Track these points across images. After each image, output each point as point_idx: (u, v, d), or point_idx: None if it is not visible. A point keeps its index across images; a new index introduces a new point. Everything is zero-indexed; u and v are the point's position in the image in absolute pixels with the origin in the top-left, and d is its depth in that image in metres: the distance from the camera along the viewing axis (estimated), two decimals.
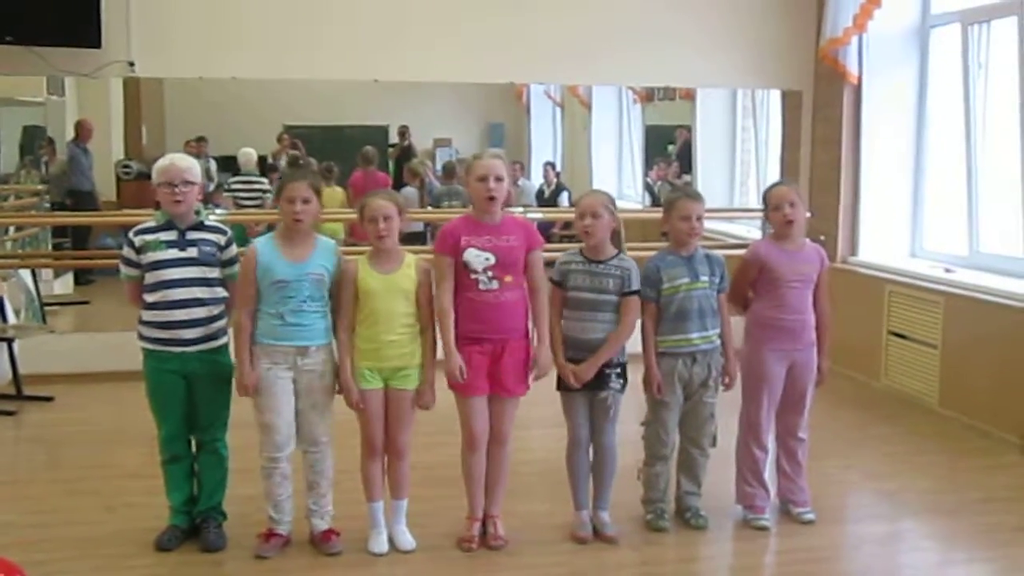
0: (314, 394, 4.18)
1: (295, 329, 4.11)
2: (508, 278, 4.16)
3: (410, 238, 9.07)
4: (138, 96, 13.79)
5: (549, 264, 4.34)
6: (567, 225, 11.96)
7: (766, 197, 4.61)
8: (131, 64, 7.13)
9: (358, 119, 15.79)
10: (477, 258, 4.12)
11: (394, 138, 14.58)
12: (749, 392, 4.63)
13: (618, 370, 4.32)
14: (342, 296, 4.17)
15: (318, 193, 4.18)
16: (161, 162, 4.20)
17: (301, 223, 4.12)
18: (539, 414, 4.88)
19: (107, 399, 6.70)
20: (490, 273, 4.12)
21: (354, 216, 7.48)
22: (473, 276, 4.12)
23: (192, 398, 4.24)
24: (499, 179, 4.12)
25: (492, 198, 4.12)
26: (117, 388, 6.64)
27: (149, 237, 4.17)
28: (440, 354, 4.22)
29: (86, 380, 7.06)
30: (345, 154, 12.70)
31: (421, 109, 15.08)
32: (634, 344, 4.38)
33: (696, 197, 4.45)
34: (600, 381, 4.30)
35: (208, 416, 4.29)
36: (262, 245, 4.18)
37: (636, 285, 4.30)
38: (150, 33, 7.18)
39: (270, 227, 10.05)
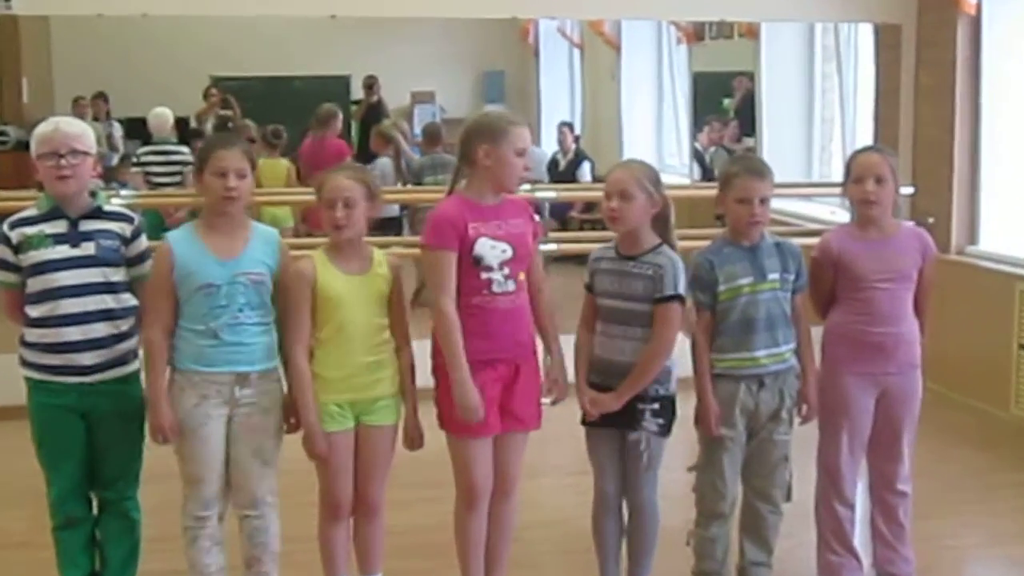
0: (256, 437, 4.17)
1: (232, 350, 4.11)
2: (521, 276, 4.21)
3: (383, 226, 9.12)
4: (16, 40, 13.89)
5: (557, 260, 4.36)
6: (589, 206, 12.03)
7: (848, 165, 4.62)
8: None
9: (311, 68, 15.88)
10: (492, 251, 4.13)
11: (359, 92, 14.65)
12: (826, 429, 4.62)
13: (655, 405, 4.30)
14: (295, 306, 4.17)
15: (253, 165, 4.20)
16: (42, 128, 4.19)
17: (235, 204, 4.13)
18: (554, 458, 4.90)
19: None
20: (506, 270, 4.15)
21: (304, 197, 7.53)
22: (486, 276, 4.13)
23: (93, 443, 4.23)
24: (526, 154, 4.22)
25: (524, 179, 4.25)
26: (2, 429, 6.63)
27: (30, 230, 4.16)
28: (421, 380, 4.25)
29: None
30: (294, 114, 12.72)
31: (394, 54, 15.16)
32: (683, 365, 4.40)
33: (760, 172, 4.45)
34: (630, 418, 4.30)
35: (114, 467, 4.29)
36: (179, 239, 4.17)
37: (673, 288, 4.26)
38: None
39: (194, 213, 10.14)
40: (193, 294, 4.09)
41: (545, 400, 4.30)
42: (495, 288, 4.12)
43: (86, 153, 4.17)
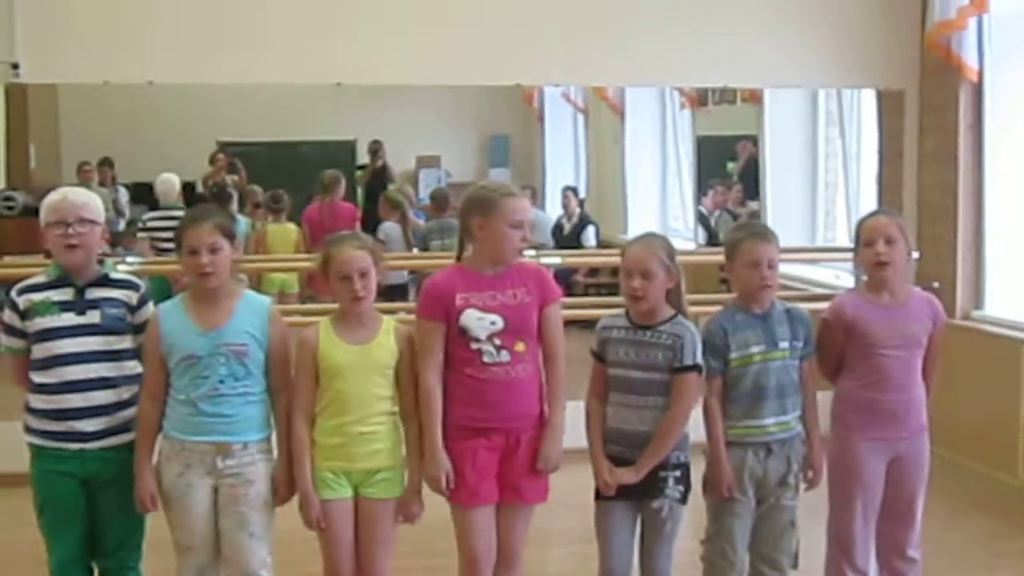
0: (241, 509, 4.15)
1: (213, 420, 4.12)
2: (520, 346, 4.16)
3: (390, 292, 9.12)
4: (24, 107, 13.96)
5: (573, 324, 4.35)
6: (594, 271, 12.05)
7: (858, 230, 4.63)
8: (14, 66, 7.19)
9: (316, 133, 15.93)
10: (480, 322, 4.13)
11: (364, 157, 14.72)
12: (838, 497, 4.61)
13: (677, 473, 4.30)
14: (297, 375, 4.19)
15: (230, 237, 4.18)
16: (51, 197, 4.23)
17: (210, 279, 4.13)
18: (560, 525, 4.86)
19: None
20: (497, 341, 4.13)
21: (311, 264, 7.53)
22: (475, 347, 4.13)
23: (95, 511, 4.23)
24: (528, 225, 4.21)
25: (523, 250, 4.23)
26: (2, 497, 6.61)
27: (37, 297, 4.19)
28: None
29: None
30: (300, 179, 12.75)
31: (399, 119, 15.20)
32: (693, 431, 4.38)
33: (766, 236, 4.46)
34: (651, 487, 4.28)
35: (116, 536, 4.28)
36: (166, 310, 4.21)
37: (692, 358, 4.28)
38: (40, 26, 7.23)
39: None
40: (177, 364, 4.12)
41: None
42: (486, 359, 4.12)
43: (94, 222, 4.20)
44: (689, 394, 4.26)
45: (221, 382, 4.10)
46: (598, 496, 4.34)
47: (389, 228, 10.24)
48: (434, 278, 4.24)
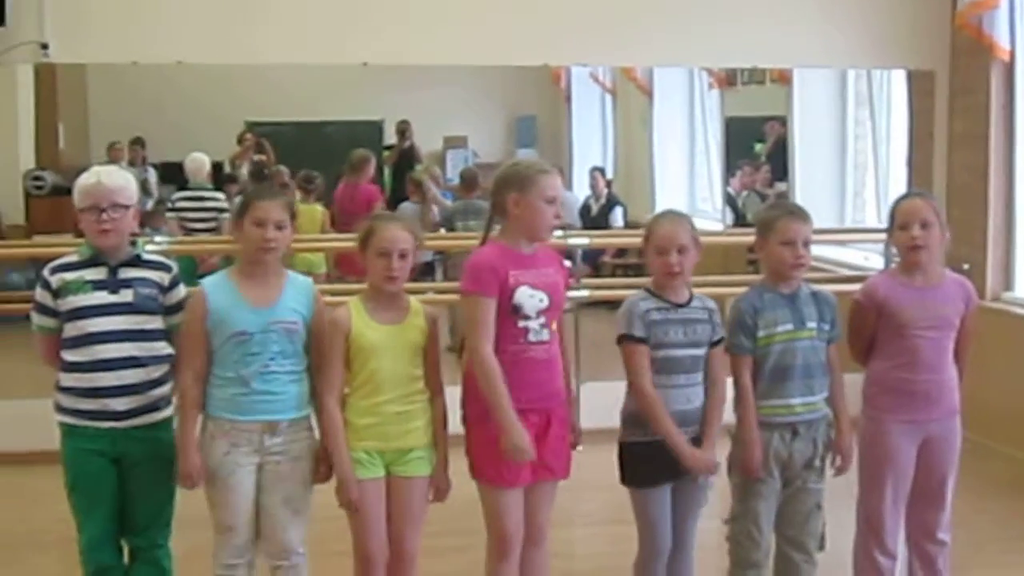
0: (286, 486, 4.20)
1: (263, 399, 4.15)
2: (554, 325, 4.25)
3: (416, 272, 9.14)
4: (53, 87, 13.99)
5: (592, 305, 4.36)
6: (621, 251, 12.02)
7: (892, 213, 4.62)
8: (44, 46, 7.23)
9: (343, 113, 15.88)
10: (531, 300, 4.16)
11: (391, 137, 14.70)
12: (868, 478, 4.61)
13: None
14: (328, 354, 4.20)
15: (294, 217, 4.25)
16: (84, 180, 4.24)
17: (271, 254, 4.17)
18: (586, 506, 4.87)
19: (10, 490, 6.75)
20: (542, 319, 4.18)
21: (338, 244, 7.56)
22: (523, 324, 4.16)
23: (125, 489, 4.27)
24: (557, 201, 4.23)
25: (557, 227, 4.29)
26: (24, 475, 6.70)
27: (70, 276, 4.21)
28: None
29: None
30: (327, 160, 12.76)
31: (426, 99, 15.15)
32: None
33: (801, 215, 4.48)
34: None
35: (146, 514, 4.31)
36: (214, 286, 4.22)
37: (722, 331, 4.38)
38: (69, 6, 7.29)
39: (228, 260, 10.18)
40: (225, 341, 4.14)
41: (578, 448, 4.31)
42: (531, 337, 4.16)
43: (126, 206, 4.21)
44: (726, 365, 4.37)
45: (272, 359, 4.14)
46: (631, 483, 4.36)
47: (408, 208, 10.29)
48: (483, 253, 4.23)
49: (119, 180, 4.26)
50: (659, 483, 4.32)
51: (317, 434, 4.26)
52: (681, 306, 4.33)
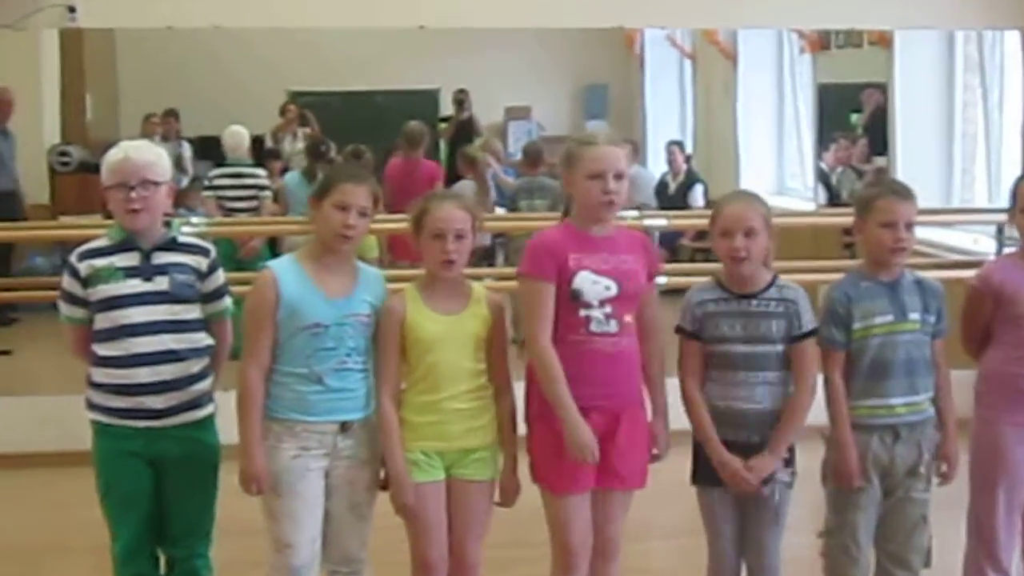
0: (355, 490, 4.23)
1: (338, 396, 4.17)
2: (628, 317, 4.21)
3: (474, 256, 9.14)
4: (80, 54, 14.15)
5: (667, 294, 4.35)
6: (701, 234, 11.98)
7: (1015, 192, 4.57)
8: (71, 9, 7.28)
9: (396, 82, 15.95)
10: (594, 286, 4.15)
11: (448, 108, 14.74)
12: (979, 487, 4.57)
13: (787, 454, 4.32)
14: (382, 346, 4.23)
15: (376, 205, 4.26)
16: (112, 155, 4.26)
17: (349, 243, 4.19)
18: (662, 517, 4.87)
19: (39, 494, 6.82)
20: (608, 309, 4.16)
21: (391, 225, 7.59)
22: (584, 313, 4.16)
23: (163, 495, 4.30)
24: (620, 176, 4.17)
25: (611, 203, 4.18)
26: (54, 478, 6.76)
27: (100, 262, 4.23)
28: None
29: (7, 465, 7.16)
30: (377, 132, 12.81)
31: (486, 66, 15.20)
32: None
33: (905, 194, 4.42)
34: None
35: (185, 521, 4.34)
36: (284, 270, 4.22)
37: (811, 323, 4.31)
38: None
39: (271, 243, 10.26)
40: (297, 333, 4.14)
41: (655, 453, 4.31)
42: (593, 327, 4.14)
43: (158, 183, 4.22)
44: (814, 363, 4.30)
45: (348, 355, 4.16)
46: (695, 479, 4.36)
47: (464, 187, 10.26)
48: (543, 235, 4.26)
49: (149, 155, 4.27)
50: (713, 484, 4.31)
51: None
52: (746, 297, 4.30)
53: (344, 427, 4.16)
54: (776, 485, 4.28)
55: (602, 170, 4.14)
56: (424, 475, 4.20)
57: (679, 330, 4.35)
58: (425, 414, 4.20)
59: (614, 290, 4.14)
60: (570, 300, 4.13)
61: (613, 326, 4.15)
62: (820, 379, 4.34)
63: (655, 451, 4.28)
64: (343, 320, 4.15)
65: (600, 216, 4.20)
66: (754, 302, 4.29)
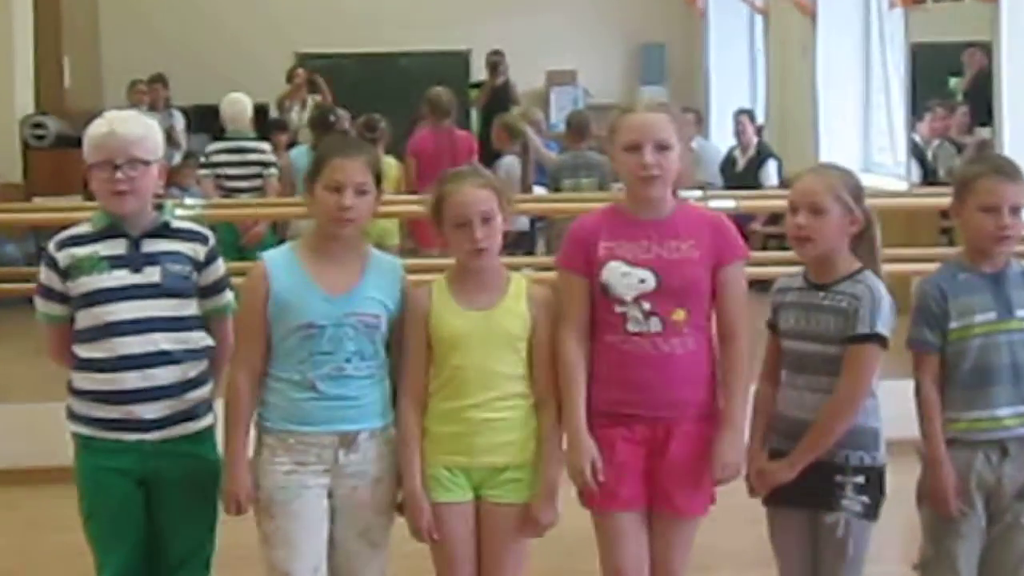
0: (365, 515, 4.21)
1: (336, 406, 4.15)
2: (679, 314, 4.14)
3: (511, 242, 9.10)
4: (58, 14, 14.27)
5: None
6: (775, 217, 11.96)
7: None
8: None
9: (421, 42, 16.04)
10: (625, 279, 4.13)
11: (480, 72, 14.77)
12: None
13: (859, 479, 4.23)
14: (404, 346, 4.23)
15: (379, 179, 4.24)
16: (95, 129, 4.24)
17: (349, 227, 4.18)
18: (731, 543, 4.85)
19: (8, 516, 6.77)
20: (646, 305, 4.13)
21: (416, 208, 7.59)
22: (619, 310, 4.14)
23: (155, 518, 4.29)
24: (663, 147, 4.13)
25: (651, 178, 4.15)
26: (29, 497, 6.76)
27: (81, 251, 4.22)
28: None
29: None
30: (399, 101, 12.88)
31: (525, 25, 15.26)
32: (895, 425, 4.35)
33: (1011, 174, 4.37)
34: (825, 495, 4.23)
35: (181, 549, 4.32)
36: (277, 262, 4.23)
37: (870, 325, 4.20)
38: None
39: (275, 227, 10.28)
40: (290, 334, 4.14)
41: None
42: (630, 327, 4.12)
43: (147, 161, 4.20)
44: (862, 372, 4.19)
45: (347, 360, 4.14)
46: (766, 501, 4.34)
47: (507, 163, 10.24)
48: (579, 220, 4.28)
49: (138, 129, 4.26)
50: (789, 505, 4.27)
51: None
52: (819, 288, 4.28)
53: (346, 439, 4.15)
54: (843, 515, 4.22)
55: (638, 140, 4.10)
56: (446, 494, 4.18)
57: (767, 323, 4.38)
58: (448, 424, 4.18)
59: (651, 283, 4.11)
60: (602, 295, 4.14)
61: (655, 324, 4.12)
62: (912, 388, 4.32)
63: (715, 472, 4.16)
64: (342, 320, 4.13)
65: (639, 194, 4.18)
66: (821, 294, 4.26)
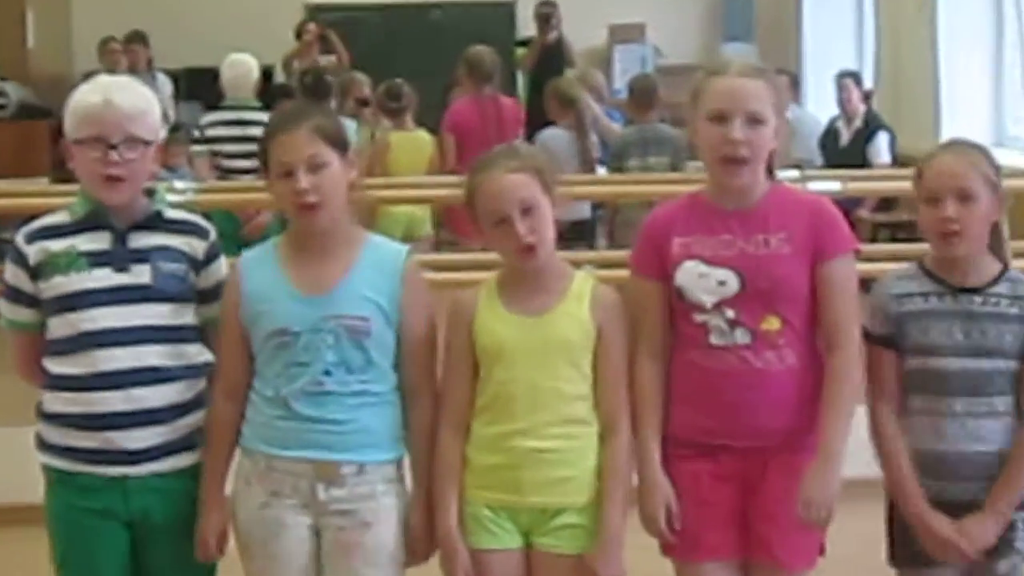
0: (352, 565, 4.18)
1: (310, 427, 4.13)
2: (771, 322, 4.13)
3: (567, 233, 9.04)
4: None
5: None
6: (886, 202, 11.93)
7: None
8: None
9: None
10: (702, 281, 4.11)
11: (528, 28, 14.78)
12: None
13: None
14: (445, 361, 4.22)
15: (340, 147, 4.19)
16: (84, 97, 4.22)
17: (315, 213, 4.14)
18: None
19: None
20: (729, 312, 4.11)
21: (452, 193, 7.59)
22: (699, 319, 4.13)
23: (143, 567, 4.31)
24: (756, 120, 4.09)
25: (739, 160, 4.10)
26: None
27: (56, 245, 4.23)
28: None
29: None
30: (430, 62, 12.87)
31: None
32: None
33: None
34: (1001, 539, 4.24)
35: None
36: (253, 262, 4.27)
37: None
38: None
39: (283, 219, 10.19)
40: (265, 342, 4.16)
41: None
42: (713, 339, 4.11)
43: (147, 141, 4.20)
44: None
45: (327, 373, 4.12)
46: (898, 561, 4.34)
47: (553, 137, 10.11)
48: (653, 213, 4.29)
49: (139, 101, 4.24)
50: (939, 564, 4.26)
51: (408, 486, 4.26)
52: (967, 291, 4.25)
53: (325, 471, 4.13)
54: (1014, 556, 4.24)
55: (726, 109, 4.07)
56: (488, 539, 4.17)
57: (867, 336, 4.28)
58: (492, 453, 4.17)
59: (733, 285, 4.09)
60: (679, 300, 4.13)
61: (742, 336, 4.10)
62: None
63: (801, 510, 4.06)
64: (319, 324, 4.11)
65: (722, 176, 4.15)
66: (978, 299, 4.24)
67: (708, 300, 4.09)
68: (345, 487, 4.14)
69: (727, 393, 4.11)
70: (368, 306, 4.15)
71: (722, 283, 4.09)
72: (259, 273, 4.19)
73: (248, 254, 4.30)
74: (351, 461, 4.15)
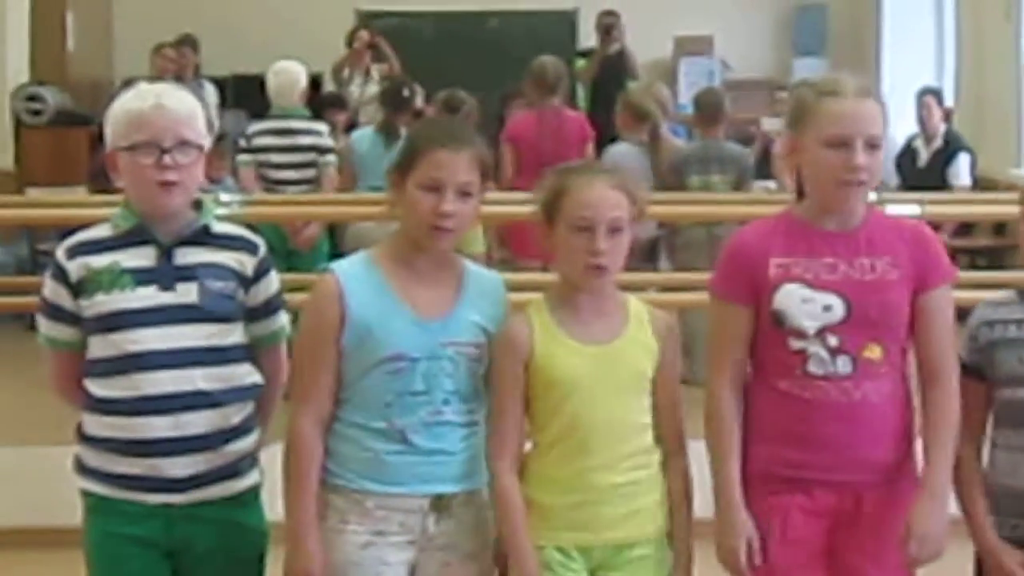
0: None
1: (431, 461, 4.14)
2: (873, 350, 4.12)
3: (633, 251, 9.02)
4: None
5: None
6: (967, 227, 11.87)
7: None
8: None
9: (517, 1, 16.08)
10: (806, 306, 4.10)
11: (589, 38, 14.78)
12: None
13: None
14: (498, 392, 4.19)
15: (485, 179, 4.20)
16: (133, 101, 4.23)
17: (446, 237, 4.15)
18: None
19: None
20: (832, 340, 4.10)
21: (513, 209, 7.58)
22: (796, 346, 4.12)
23: None
24: (874, 145, 4.07)
25: (858, 184, 4.08)
26: (19, 564, 6.69)
27: (99, 261, 4.22)
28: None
29: None
30: (487, 72, 12.87)
31: None
32: None
33: None
34: None
35: None
36: (355, 276, 4.20)
37: None
38: None
39: (332, 230, 10.27)
40: (372, 369, 4.12)
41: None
42: (812, 367, 4.09)
43: (198, 146, 4.21)
44: None
45: (446, 403, 4.13)
46: None
47: (623, 155, 10.05)
48: (741, 233, 4.26)
49: (189, 105, 4.26)
50: None
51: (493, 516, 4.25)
52: None
53: (439, 503, 4.13)
54: None
55: (848, 135, 4.06)
56: None
57: (965, 366, 4.26)
58: (565, 493, 4.15)
59: (839, 311, 4.08)
60: (773, 326, 4.11)
61: (844, 365, 4.09)
62: None
63: (911, 548, 4.07)
64: (439, 351, 4.11)
65: (836, 203, 4.15)
66: None
67: (811, 326, 4.09)
68: (454, 518, 4.17)
69: (825, 426, 4.11)
70: (479, 334, 4.18)
71: (827, 308, 4.08)
72: (365, 292, 4.14)
73: (344, 270, 4.22)
74: (463, 491, 4.19)
